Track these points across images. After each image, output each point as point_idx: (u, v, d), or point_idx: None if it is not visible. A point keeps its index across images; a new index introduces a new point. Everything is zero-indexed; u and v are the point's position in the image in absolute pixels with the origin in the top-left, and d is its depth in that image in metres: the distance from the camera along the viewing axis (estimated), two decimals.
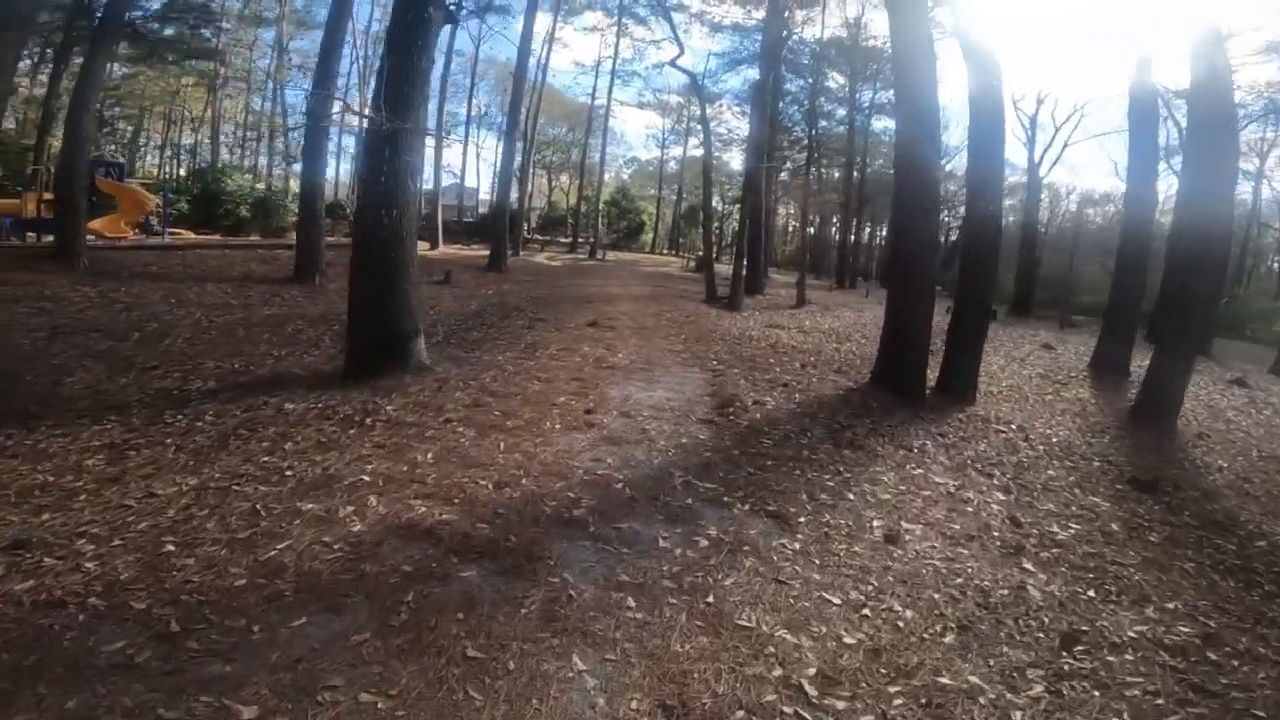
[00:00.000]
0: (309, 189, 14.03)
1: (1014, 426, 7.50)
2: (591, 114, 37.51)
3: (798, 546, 3.73)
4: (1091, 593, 3.60)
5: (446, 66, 31.93)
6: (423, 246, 30.51)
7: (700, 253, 42.41)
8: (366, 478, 4.12)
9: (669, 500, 4.12)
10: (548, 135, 45.59)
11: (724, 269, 22.10)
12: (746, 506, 4.18)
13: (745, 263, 17.64)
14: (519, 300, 13.56)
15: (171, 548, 3.15)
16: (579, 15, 34.63)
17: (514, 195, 36.60)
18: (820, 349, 11.52)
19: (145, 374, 6.80)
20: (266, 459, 4.41)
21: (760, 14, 27.37)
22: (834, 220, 45.59)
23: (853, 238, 39.58)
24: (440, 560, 3.17)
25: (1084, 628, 3.17)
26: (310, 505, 3.71)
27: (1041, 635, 3.06)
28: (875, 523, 4.19)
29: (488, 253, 22.18)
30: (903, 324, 8.01)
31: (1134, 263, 14.01)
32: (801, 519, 4.10)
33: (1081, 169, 61.89)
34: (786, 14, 21.22)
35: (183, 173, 30.10)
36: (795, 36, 27.86)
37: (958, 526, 4.36)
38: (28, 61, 23.58)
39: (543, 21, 32.92)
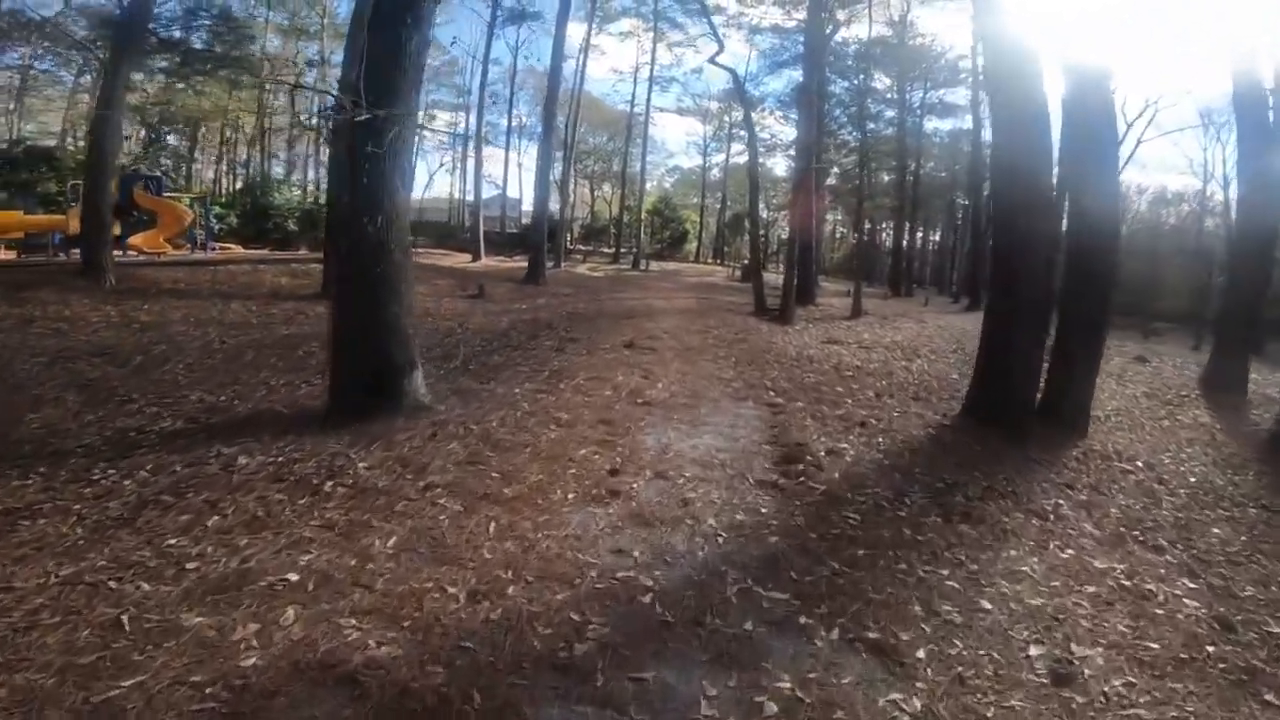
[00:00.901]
0: (336, 199, 13.15)
1: (1140, 464, 6.02)
2: (631, 121, 36.42)
3: (920, 706, 2.32)
4: None
5: (484, 75, 31.31)
6: (464, 259, 29.85)
7: (746, 261, 40.83)
8: (294, 576, 2.89)
9: (718, 624, 2.76)
10: (588, 144, 44.78)
11: (771, 278, 20.58)
12: (834, 633, 2.77)
13: (795, 271, 16.06)
14: (553, 316, 12.34)
15: None
16: (614, 21, 33.61)
17: (555, 205, 35.94)
18: (889, 369, 9.91)
19: (118, 409, 5.81)
20: (175, 541, 3.22)
21: (800, 14, 25.78)
22: (883, 226, 43.35)
23: (905, 243, 37.27)
24: None
25: None
26: (199, 619, 2.56)
27: None
28: (1032, 650, 2.77)
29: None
30: (1006, 346, 6.42)
31: (1251, 266, 11.93)
32: (919, 652, 2.68)
33: (1154, 167, 57.76)
34: (826, 14, 19.64)
35: (238, 187, 30.20)
36: (838, 38, 26.15)
37: (1153, 645, 2.91)
38: (89, 76, 23.89)
39: (579, 30, 32.16)
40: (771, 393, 6.69)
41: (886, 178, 36.66)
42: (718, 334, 10.70)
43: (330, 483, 4.03)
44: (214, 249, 18.38)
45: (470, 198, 32.36)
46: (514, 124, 41.00)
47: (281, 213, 25.78)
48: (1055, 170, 7.21)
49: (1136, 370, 14.21)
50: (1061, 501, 4.73)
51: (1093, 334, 7.26)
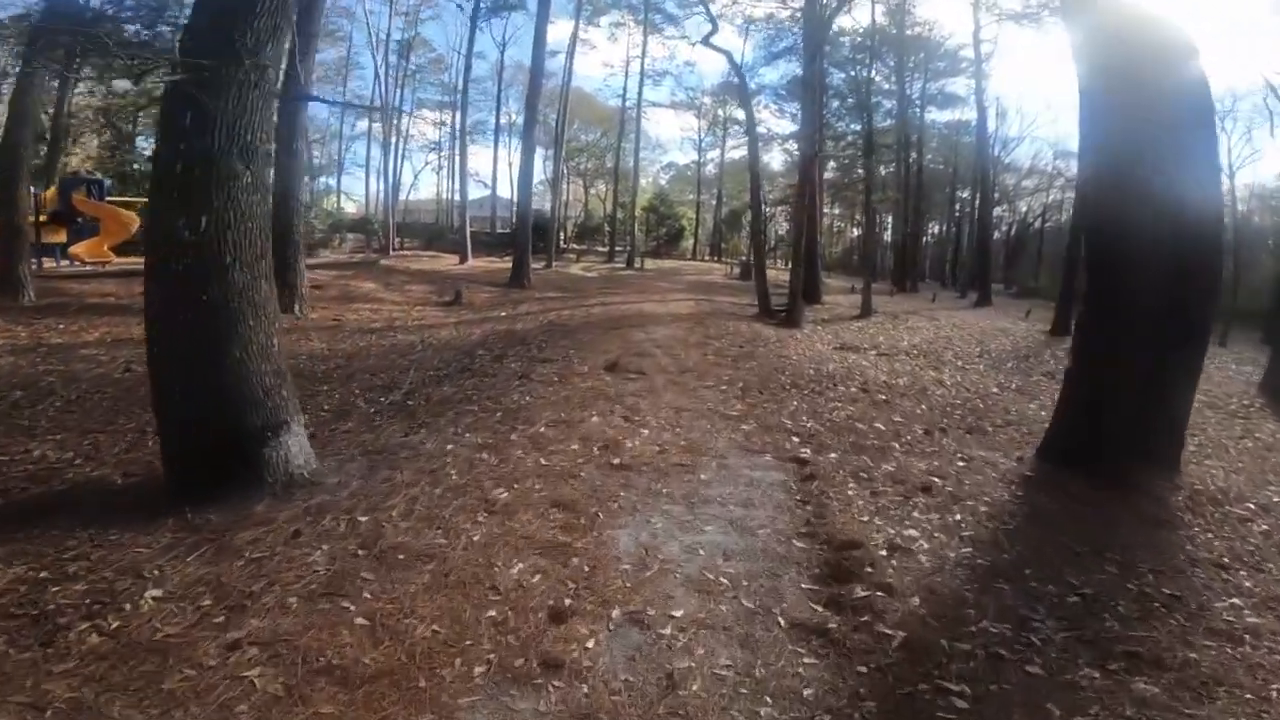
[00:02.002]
0: (280, 198, 11.39)
1: (1252, 505, 4.62)
2: (623, 116, 34.54)
3: None
4: None
5: (467, 70, 29.44)
6: (452, 260, 28.08)
7: (744, 258, 38.98)
8: None
9: None
10: (581, 141, 42.93)
11: (771, 274, 18.75)
12: None
13: (802, 269, 14.30)
14: (531, 328, 10.59)
15: None
16: (604, 14, 31.72)
17: (547, 204, 34.17)
18: (921, 385, 8.18)
19: None
20: None
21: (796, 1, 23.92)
22: (880, 219, 41.47)
23: (903, 237, 35.43)
24: None
25: None
26: None
27: None
28: None
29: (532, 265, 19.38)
30: (1103, 374, 4.70)
31: None
32: None
33: None
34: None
35: None
36: (835, 27, 24.30)
37: None
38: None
39: (567, 25, 30.33)
40: (795, 438, 4.93)
41: (884, 171, 34.85)
42: (719, 346, 8.93)
43: (85, 625, 2.36)
44: None
45: (457, 197, 30.56)
46: (503, 121, 39.21)
47: None
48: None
49: None
50: (1236, 600, 3.12)
51: (1192, 349, 5.57)
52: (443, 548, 3.11)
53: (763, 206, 17.05)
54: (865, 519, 3.63)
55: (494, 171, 42.05)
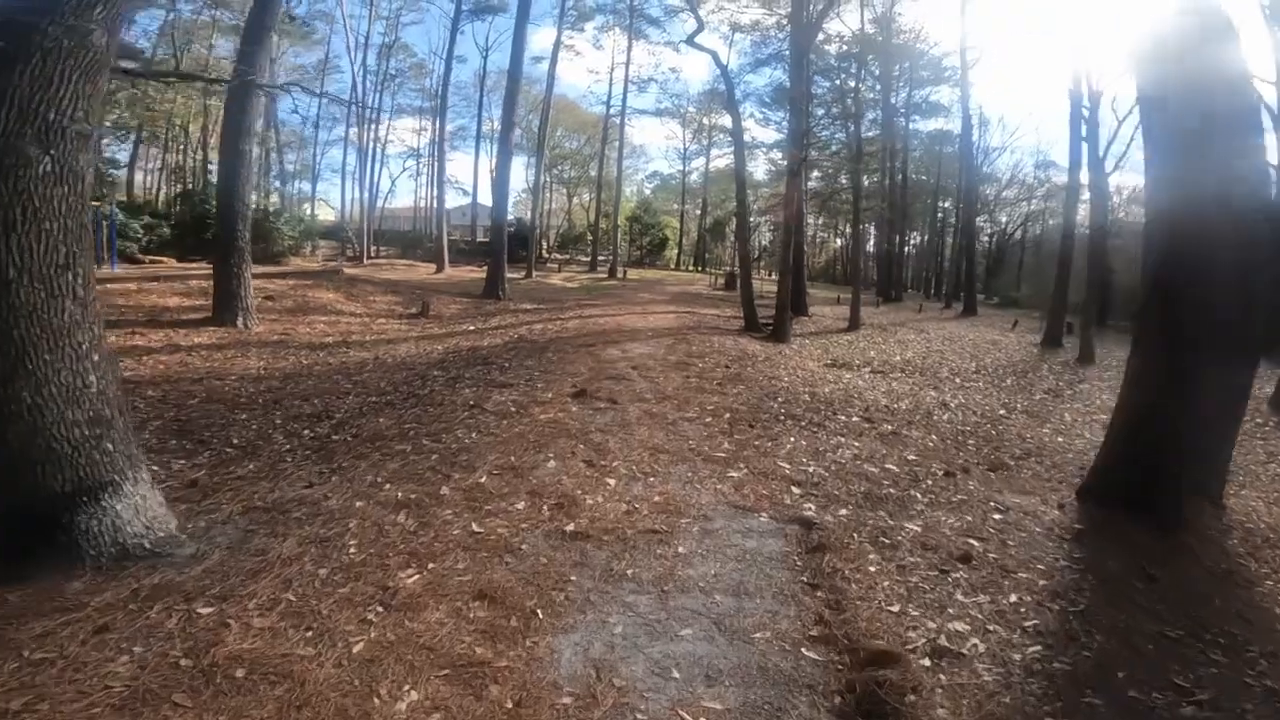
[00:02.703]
0: (224, 201, 10.42)
1: None
2: (607, 123, 33.76)
3: None
4: None
5: (446, 73, 28.51)
6: (427, 269, 26.99)
7: (728, 268, 38.22)
8: None
9: None
10: (564, 149, 42.11)
11: (755, 285, 17.87)
12: None
13: (789, 280, 13.48)
14: (497, 344, 9.62)
15: None
16: (589, 19, 31.00)
17: (527, 213, 33.19)
18: (924, 408, 7.35)
19: None
20: None
21: (782, 8, 23.29)
22: (865, 229, 40.92)
23: (888, 247, 34.92)
24: None
25: None
26: None
27: None
28: None
29: (511, 275, 18.40)
30: (1175, 406, 3.86)
31: None
32: None
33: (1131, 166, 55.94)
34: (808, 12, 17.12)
35: (176, 193, 27.02)
36: (820, 36, 23.70)
37: None
38: None
39: (551, 31, 29.56)
40: (796, 488, 3.99)
41: (867, 181, 34.32)
42: (703, 367, 8.00)
43: None
44: (116, 265, 15.41)
45: (436, 204, 29.49)
46: (485, 128, 38.28)
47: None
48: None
49: None
50: None
51: (1250, 372, 4.84)
52: (305, 662, 2.15)
53: (749, 216, 16.25)
54: (896, 608, 2.72)
55: (475, 179, 41.18)
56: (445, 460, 4.17)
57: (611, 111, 33.59)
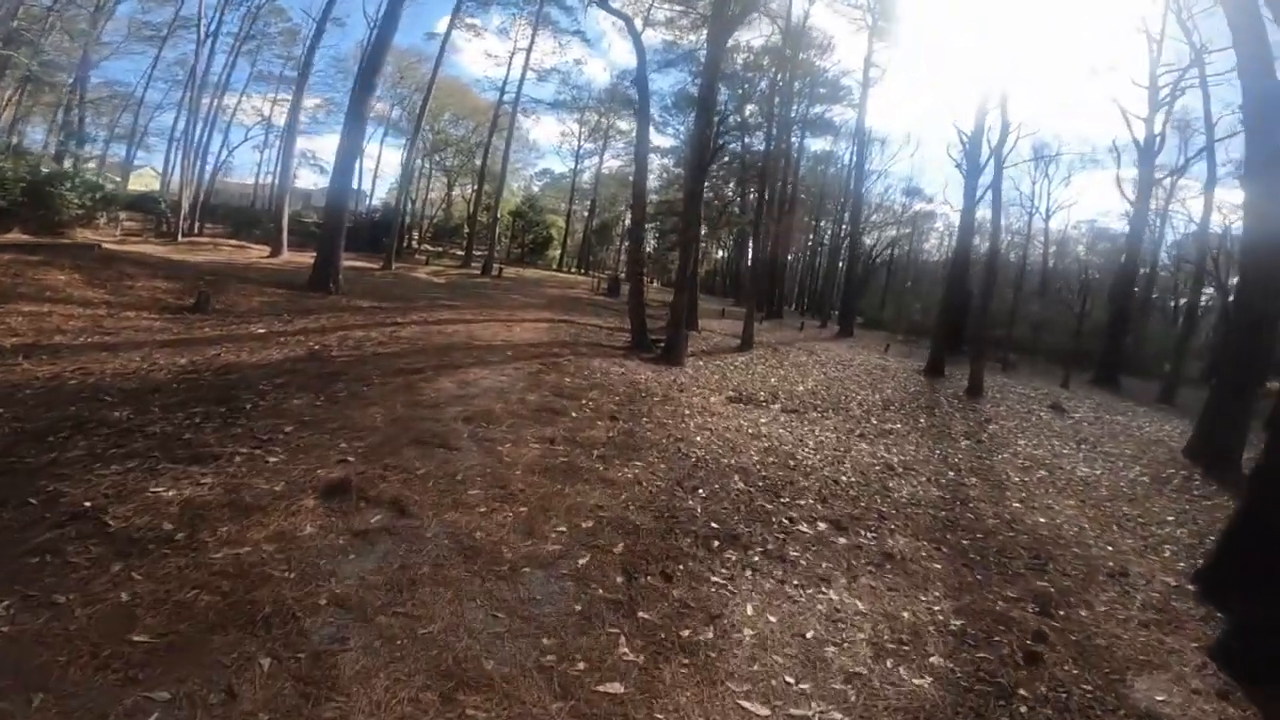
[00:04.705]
0: None
1: None
2: (499, 110, 30.08)
3: None
4: None
5: (317, 35, 23.64)
6: (259, 252, 22.01)
7: (611, 271, 35.78)
8: None
9: None
10: (450, 135, 37.71)
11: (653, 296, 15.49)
12: None
13: (685, 295, 11.17)
14: (272, 361, 6.32)
15: None
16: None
17: (388, 197, 28.82)
18: (874, 480, 5.20)
19: None
20: None
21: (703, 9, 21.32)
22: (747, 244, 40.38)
23: (771, 264, 34.23)
24: None
25: None
26: None
27: None
28: None
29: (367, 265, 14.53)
30: None
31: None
32: None
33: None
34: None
35: None
36: (731, 40, 22.06)
37: None
38: None
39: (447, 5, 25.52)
40: None
41: (752, 195, 33.52)
42: (578, 418, 5.28)
43: None
44: None
45: (271, 180, 24.43)
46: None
47: None
48: None
49: (1071, 427, 10.92)
50: None
51: None
52: None
53: (645, 211, 13.81)
54: None
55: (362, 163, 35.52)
56: None
57: (506, 99, 29.94)
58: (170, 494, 3.04)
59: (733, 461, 4.70)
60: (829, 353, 17.33)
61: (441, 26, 25.65)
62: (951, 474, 6.44)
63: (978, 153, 15.96)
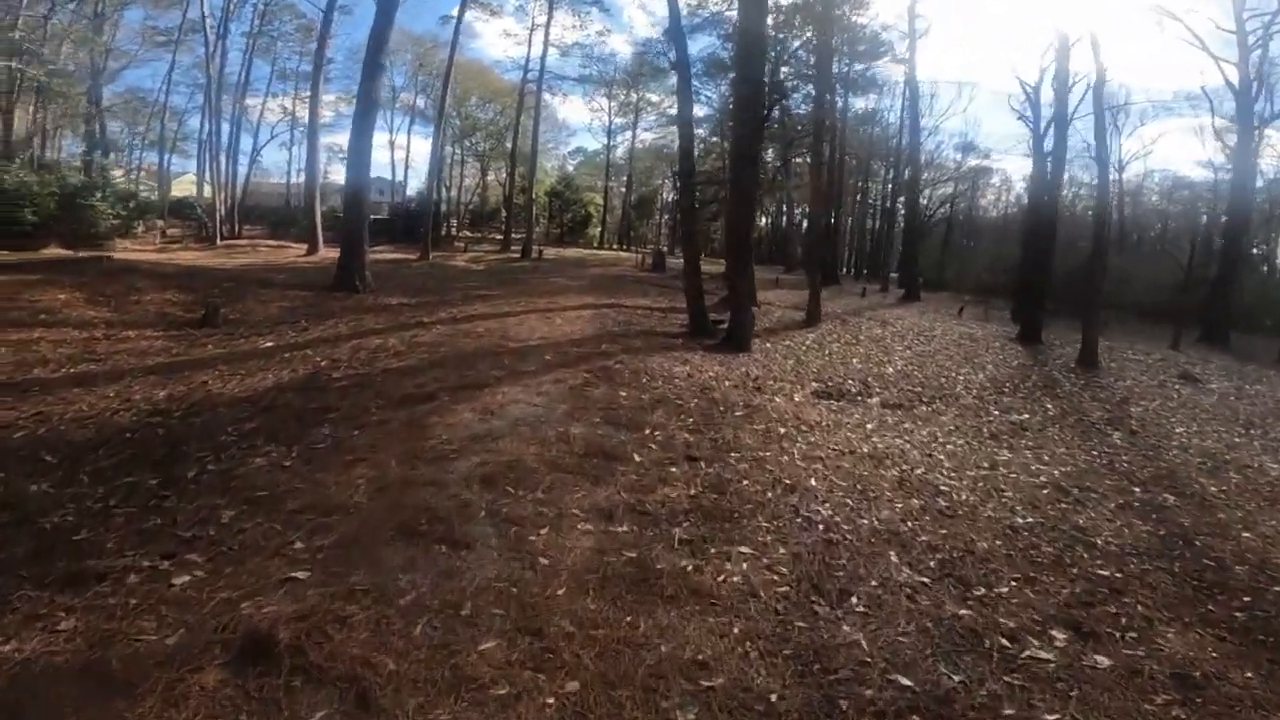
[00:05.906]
0: None
1: None
2: (523, 89, 28.48)
3: None
4: None
5: (326, 23, 22.54)
6: (296, 251, 21.29)
7: (654, 245, 33.93)
8: None
9: None
10: (477, 119, 36.42)
11: (676, 263, 13.73)
12: None
13: (747, 268, 9.49)
14: (259, 389, 5.10)
15: None
16: None
17: (443, 189, 27.66)
18: (1013, 490, 3.58)
19: None
20: None
21: None
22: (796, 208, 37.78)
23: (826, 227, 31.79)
24: None
25: None
26: None
27: None
28: None
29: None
30: None
31: None
32: None
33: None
34: None
35: None
36: None
37: None
38: None
39: None
40: None
41: (799, 160, 30.97)
42: (640, 462, 3.82)
43: None
44: None
45: (328, 179, 23.59)
46: (391, 99, 32.04)
47: (10, 200, 16.26)
48: None
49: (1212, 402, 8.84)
50: None
51: None
52: None
53: (695, 189, 12.08)
54: None
55: (391, 155, 34.77)
56: None
57: (530, 77, 28.28)
58: (5, 649, 1.79)
59: (873, 522, 3.17)
60: (903, 322, 15.32)
61: (456, 9, 24.08)
62: (1137, 490, 4.75)
63: (1065, 94, 13.71)
